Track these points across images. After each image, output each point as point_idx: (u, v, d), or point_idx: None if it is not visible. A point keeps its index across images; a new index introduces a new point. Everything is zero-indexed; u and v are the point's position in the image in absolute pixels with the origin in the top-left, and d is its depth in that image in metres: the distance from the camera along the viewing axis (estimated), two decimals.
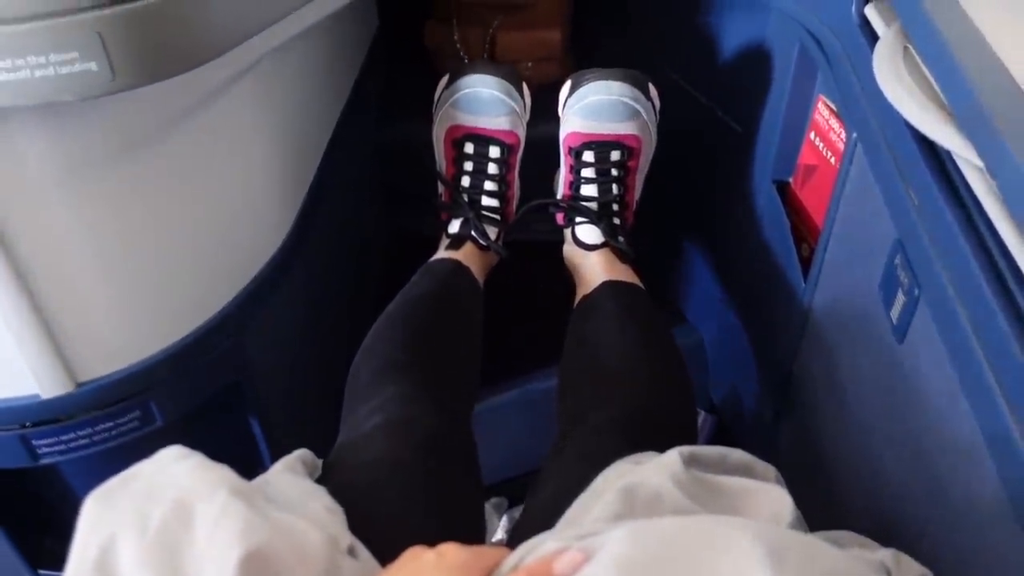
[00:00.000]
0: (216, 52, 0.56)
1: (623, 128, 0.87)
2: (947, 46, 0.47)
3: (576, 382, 0.77)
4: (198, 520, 0.45)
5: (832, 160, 0.76)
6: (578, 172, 0.89)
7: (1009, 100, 0.42)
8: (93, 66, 0.49)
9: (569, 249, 0.92)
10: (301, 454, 0.61)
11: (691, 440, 0.72)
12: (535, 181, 0.96)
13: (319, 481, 0.59)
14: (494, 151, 0.90)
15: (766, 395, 0.92)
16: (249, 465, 0.54)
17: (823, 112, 0.78)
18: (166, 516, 0.45)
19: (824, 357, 0.75)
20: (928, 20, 0.50)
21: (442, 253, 0.90)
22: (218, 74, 0.62)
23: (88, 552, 0.45)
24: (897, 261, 0.57)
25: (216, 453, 0.52)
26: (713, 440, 1.14)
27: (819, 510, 0.54)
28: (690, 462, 0.53)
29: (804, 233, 0.83)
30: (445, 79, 0.93)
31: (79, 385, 0.66)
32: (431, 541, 0.47)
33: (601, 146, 0.88)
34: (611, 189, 0.89)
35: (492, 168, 0.91)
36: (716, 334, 1.11)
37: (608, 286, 0.84)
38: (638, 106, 0.87)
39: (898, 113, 0.52)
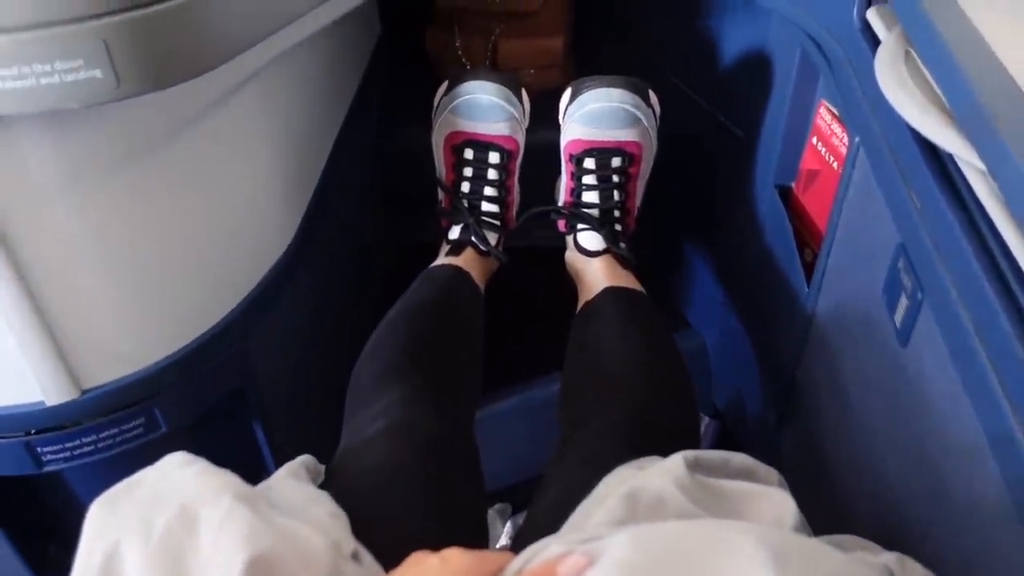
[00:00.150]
0: (220, 59, 0.56)
1: (624, 135, 0.87)
2: (948, 49, 0.47)
3: (578, 387, 0.77)
4: (202, 526, 0.46)
5: (834, 164, 0.76)
6: (579, 179, 0.90)
7: (1010, 102, 0.42)
8: (98, 73, 0.49)
9: (571, 256, 0.92)
10: (304, 460, 0.61)
11: (694, 445, 0.71)
12: (536, 187, 0.96)
13: (322, 486, 0.59)
14: (494, 157, 0.90)
15: (769, 399, 0.92)
16: (253, 471, 0.54)
17: (825, 117, 0.78)
18: (170, 522, 0.45)
19: (828, 361, 0.75)
20: (929, 24, 0.50)
21: (442, 259, 0.90)
22: (222, 81, 0.62)
23: (93, 558, 0.45)
24: (900, 265, 0.57)
25: (220, 459, 0.52)
26: (716, 445, 1.14)
27: (822, 514, 0.54)
28: (693, 466, 0.53)
29: (807, 238, 0.83)
30: (444, 85, 0.93)
31: (84, 392, 0.66)
32: (434, 545, 0.47)
33: (602, 153, 0.88)
34: (612, 196, 0.89)
35: (492, 174, 0.91)
36: (719, 339, 1.10)
37: (610, 292, 0.84)
38: (639, 113, 0.87)
39: (900, 117, 0.52)
